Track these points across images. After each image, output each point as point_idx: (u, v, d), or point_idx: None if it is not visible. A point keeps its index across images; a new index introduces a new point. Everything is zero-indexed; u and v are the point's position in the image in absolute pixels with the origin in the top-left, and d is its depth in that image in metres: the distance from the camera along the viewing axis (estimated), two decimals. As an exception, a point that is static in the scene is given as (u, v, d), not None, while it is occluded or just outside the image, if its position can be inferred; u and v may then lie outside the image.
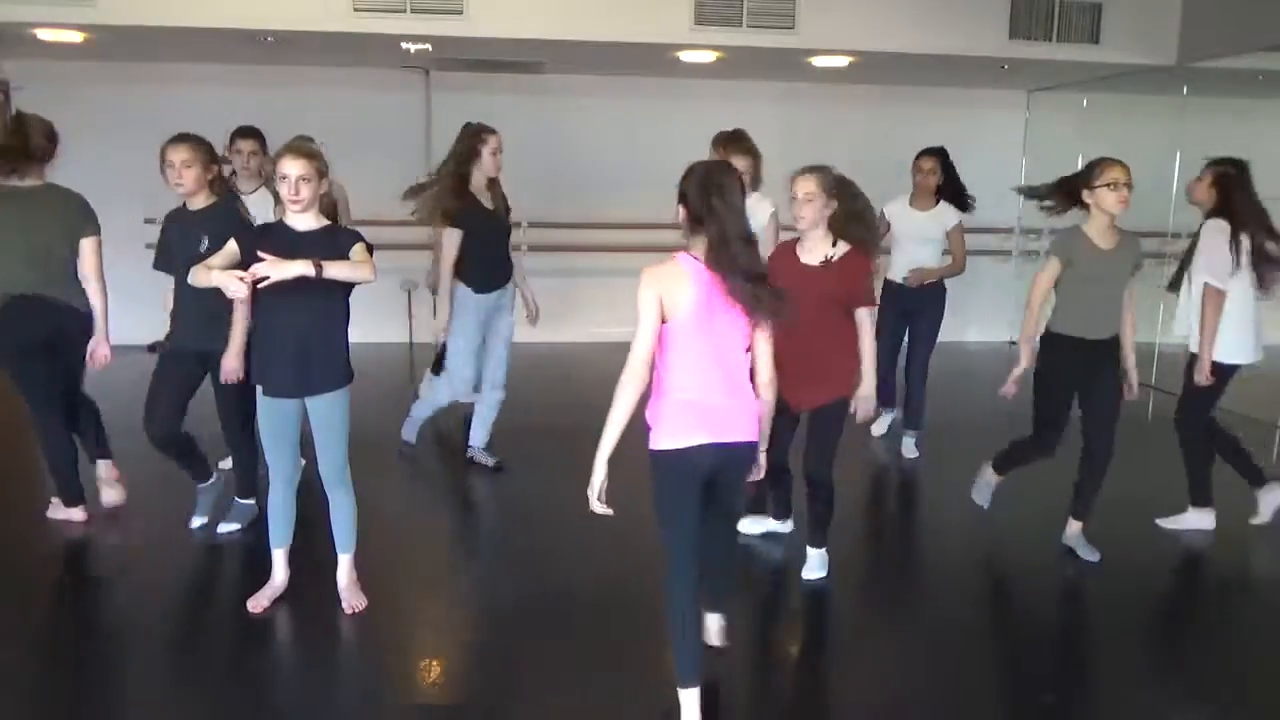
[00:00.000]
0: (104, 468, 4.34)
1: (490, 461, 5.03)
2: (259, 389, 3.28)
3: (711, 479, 2.68)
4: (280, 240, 3.12)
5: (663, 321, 2.57)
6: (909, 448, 5.47)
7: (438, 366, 5.58)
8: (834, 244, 3.48)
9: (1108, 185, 3.70)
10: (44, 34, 6.50)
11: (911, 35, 6.86)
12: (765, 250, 3.72)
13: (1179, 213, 7.26)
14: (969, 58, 7.10)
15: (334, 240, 3.19)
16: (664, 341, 2.60)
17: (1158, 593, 3.96)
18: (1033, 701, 3.06)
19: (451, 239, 4.54)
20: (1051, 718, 2.98)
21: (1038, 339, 3.97)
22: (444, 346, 5.01)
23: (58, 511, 4.18)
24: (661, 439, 2.63)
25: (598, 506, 2.62)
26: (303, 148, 3.14)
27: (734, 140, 4.54)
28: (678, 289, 2.56)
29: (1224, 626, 3.66)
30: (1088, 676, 3.24)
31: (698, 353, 2.60)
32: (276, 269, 2.99)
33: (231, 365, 3.64)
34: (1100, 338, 3.86)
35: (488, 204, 4.67)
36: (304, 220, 3.17)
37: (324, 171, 3.18)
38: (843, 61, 7.28)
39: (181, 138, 3.75)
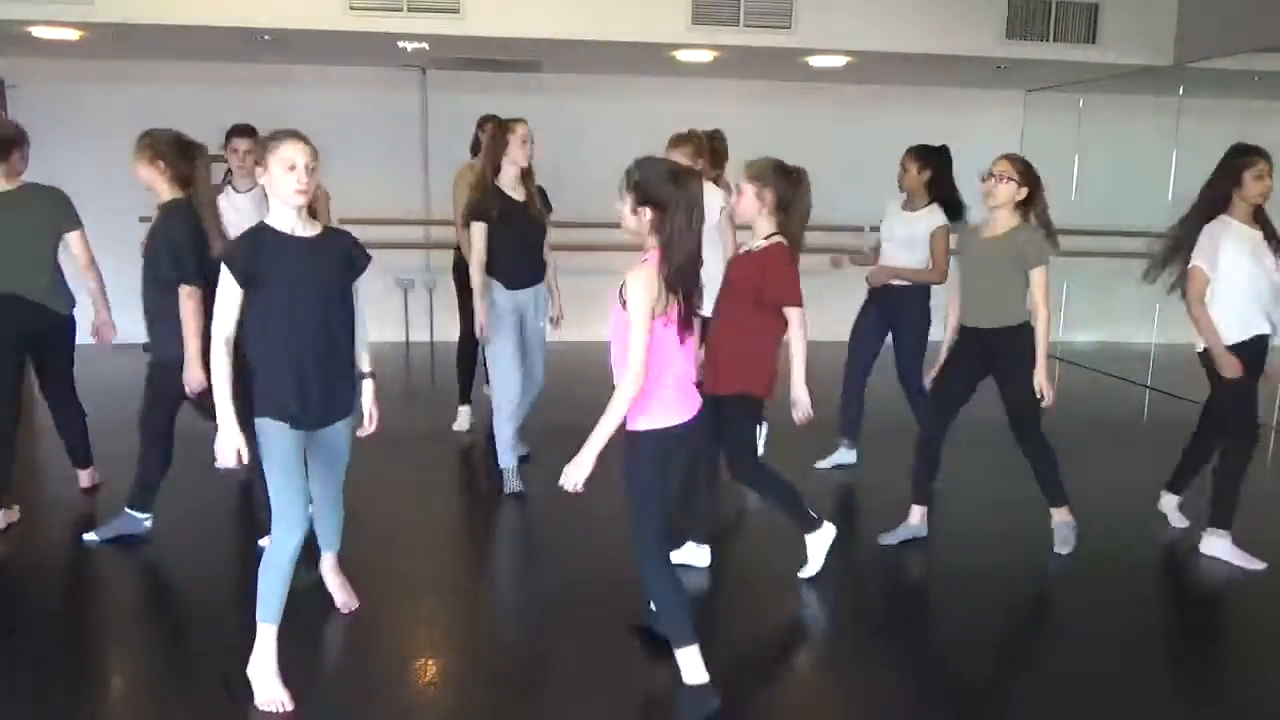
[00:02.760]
0: (84, 476, 4.47)
1: (517, 486, 4.63)
2: (277, 426, 2.79)
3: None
4: (287, 253, 2.79)
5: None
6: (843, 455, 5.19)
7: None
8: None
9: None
10: (40, 32, 6.49)
11: (908, 35, 6.88)
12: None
13: (1177, 212, 7.26)
14: (966, 58, 7.12)
15: (336, 247, 2.90)
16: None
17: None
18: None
19: (477, 233, 4.44)
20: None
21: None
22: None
23: None
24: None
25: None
26: (303, 134, 2.82)
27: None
28: None
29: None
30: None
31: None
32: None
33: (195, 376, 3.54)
34: None
35: (518, 197, 4.57)
36: (303, 222, 2.83)
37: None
38: (840, 61, 7.29)
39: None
